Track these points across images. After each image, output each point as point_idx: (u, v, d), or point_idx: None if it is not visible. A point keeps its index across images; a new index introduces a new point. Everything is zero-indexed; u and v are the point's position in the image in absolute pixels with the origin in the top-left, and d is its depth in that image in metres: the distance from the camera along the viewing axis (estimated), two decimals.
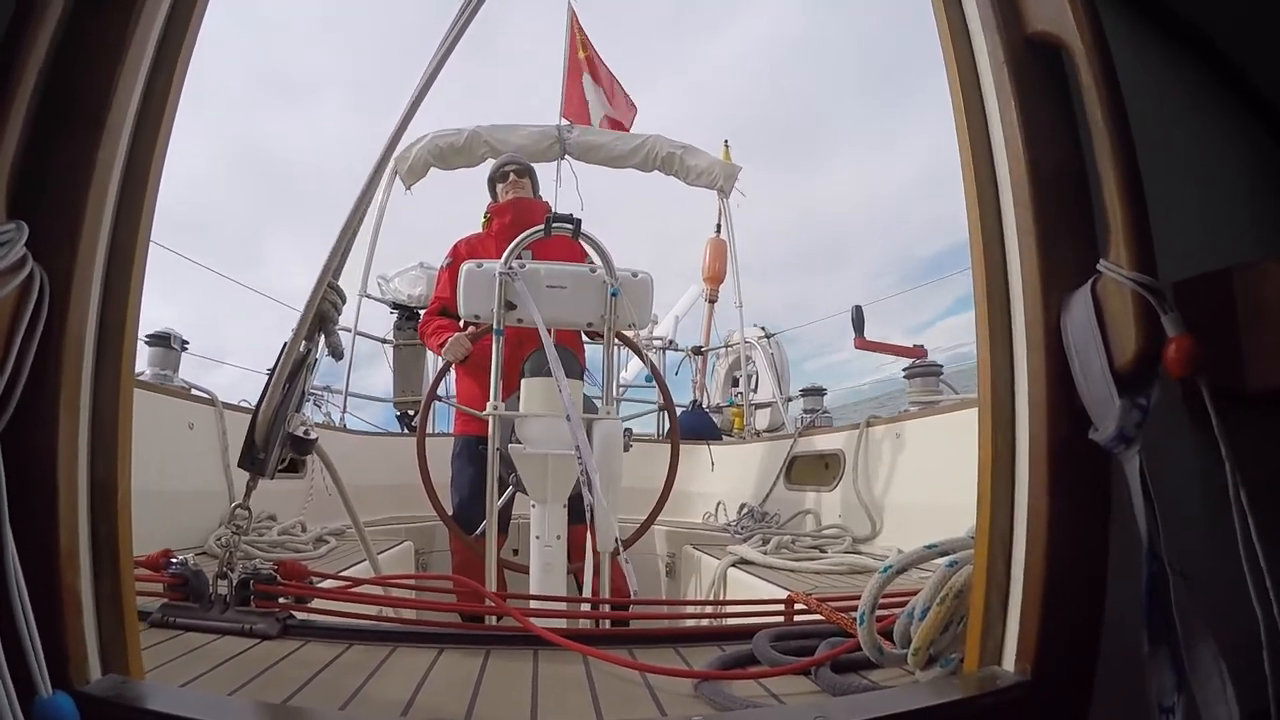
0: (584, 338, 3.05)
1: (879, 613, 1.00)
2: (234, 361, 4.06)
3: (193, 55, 0.99)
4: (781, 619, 1.37)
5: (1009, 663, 0.82)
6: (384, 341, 5.04)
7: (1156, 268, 0.76)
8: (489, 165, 3.78)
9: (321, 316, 1.42)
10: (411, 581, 2.05)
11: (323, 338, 1.46)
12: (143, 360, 2.75)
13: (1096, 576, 0.80)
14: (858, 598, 1.33)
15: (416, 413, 4.71)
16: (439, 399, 2.93)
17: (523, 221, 2.93)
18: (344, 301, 1.49)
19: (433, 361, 4.90)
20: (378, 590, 1.46)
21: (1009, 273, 0.88)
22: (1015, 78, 0.87)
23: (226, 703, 0.83)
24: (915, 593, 1.13)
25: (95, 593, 0.77)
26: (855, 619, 1.13)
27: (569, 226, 2.37)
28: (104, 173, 0.85)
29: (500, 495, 2.42)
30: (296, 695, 0.89)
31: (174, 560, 1.25)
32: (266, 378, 1.37)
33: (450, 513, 2.88)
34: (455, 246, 3.13)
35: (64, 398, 0.77)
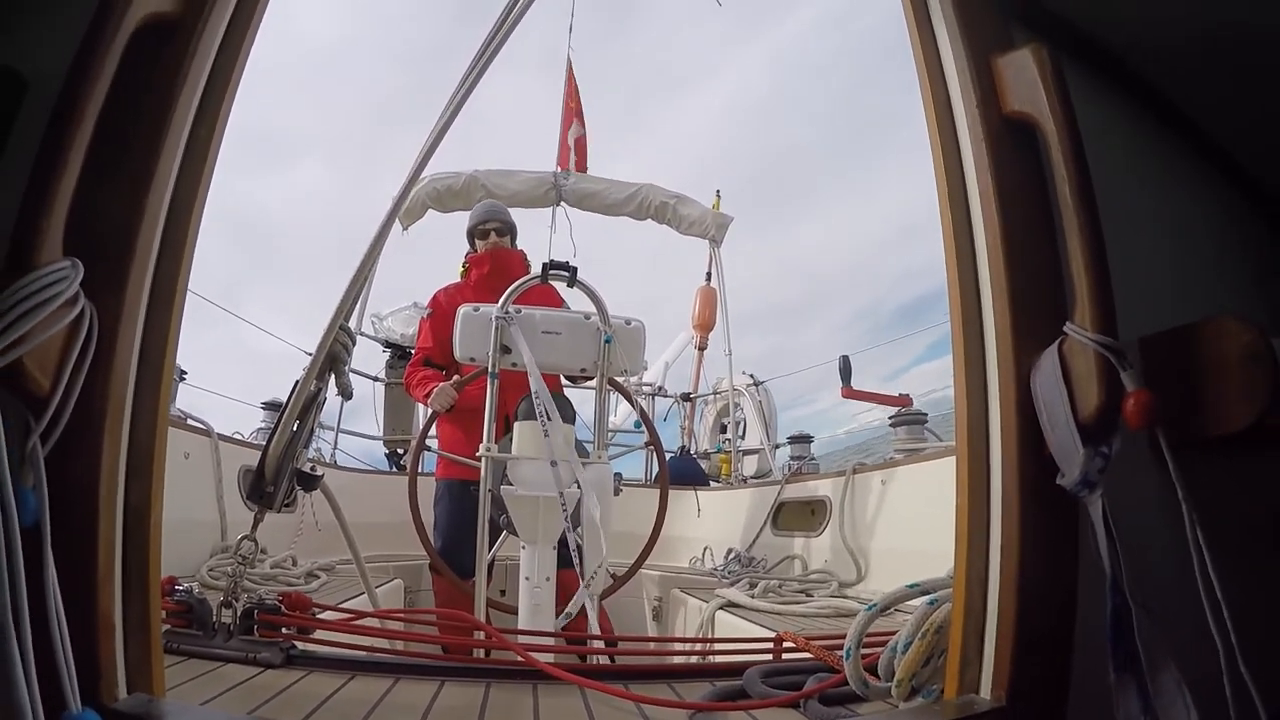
0: (564, 381, 3.08)
1: (864, 650, 1.05)
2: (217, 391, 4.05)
3: (233, 110, 1.07)
4: (770, 656, 1.41)
5: (986, 691, 0.87)
6: (375, 380, 5.07)
7: (1117, 328, 0.85)
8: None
9: (333, 357, 1.48)
10: (414, 616, 2.06)
11: (333, 378, 1.52)
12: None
13: (1066, 610, 0.86)
14: (844, 637, 1.39)
15: (405, 451, 4.72)
16: (428, 449, 2.98)
17: (501, 271, 3.00)
18: (354, 343, 1.55)
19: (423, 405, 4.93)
20: (378, 624, 1.49)
21: (984, 332, 0.96)
22: (993, 152, 0.96)
23: None
24: (898, 631, 1.18)
25: (124, 614, 0.81)
26: (841, 655, 1.18)
27: (565, 274, 2.45)
28: (152, 218, 0.92)
29: (490, 538, 2.44)
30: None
31: (179, 587, 1.28)
32: (278, 415, 1.42)
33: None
34: (435, 297, 3.15)
35: (108, 427, 0.82)
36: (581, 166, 5.59)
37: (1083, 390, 0.84)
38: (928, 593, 1.05)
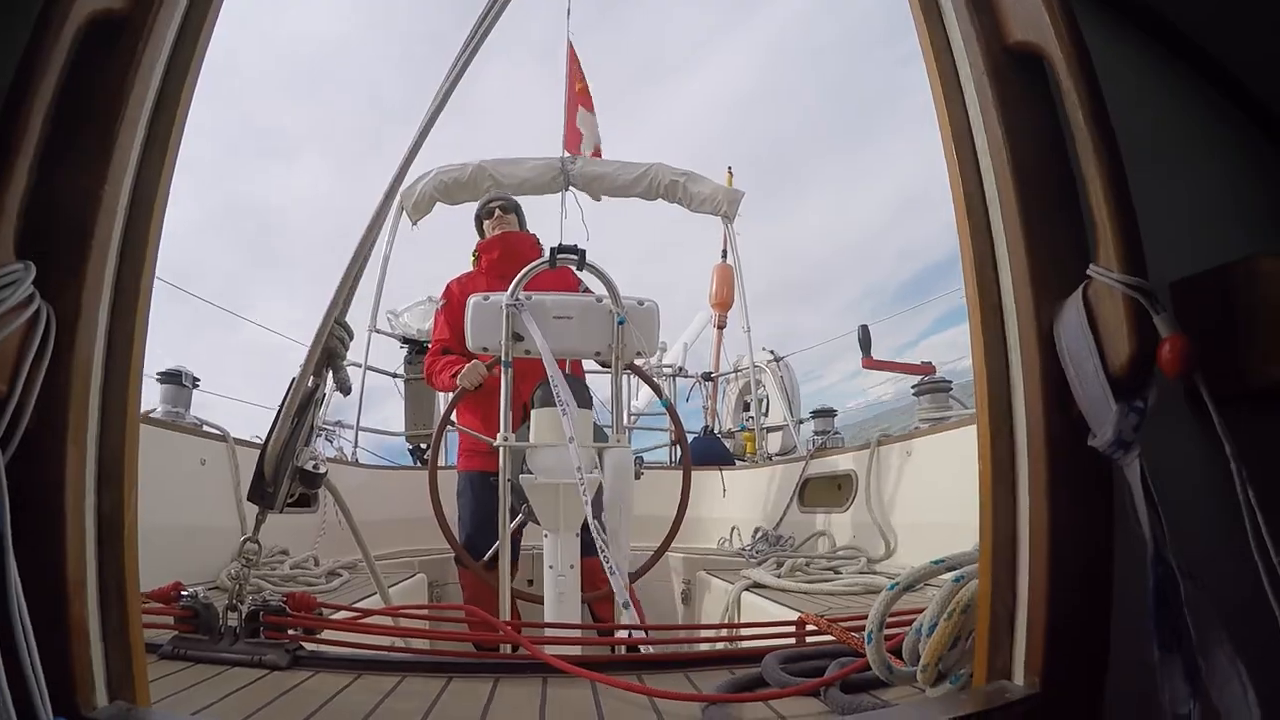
0: (586, 366, 3.05)
1: (888, 631, 0.99)
2: (234, 397, 4.08)
3: (193, 101, 1.03)
4: (793, 640, 1.35)
5: (1018, 676, 0.80)
6: (394, 376, 5.07)
7: (1147, 269, 0.77)
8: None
9: (329, 353, 1.45)
10: (422, 612, 2.04)
11: (330, 373, 1.48)
12: (154, 397, 2.79)
13: (1102, 584, 0.79)
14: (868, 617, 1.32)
15: (428, 446, 4.73)
16: (452, 425, 2.94)
17: (511, 255, 2.96)
18: (351, 338, 1.51)
19: (444, 396, 4.93)
20: (387, 621, 1.46)
21: (1000, 282, 0.88)
22: (997, 87, 0.88)
23: None
24: (921, 609, 1.12)
25: (102, 622, 0.78)
26: (863, 638, 1.12)
27: (574, 258, 2.40)
28: (109, 213, 0.88)
29: (511, 524, 2.42)
30: None
31: (184, 593, 1.26)
32: (275, 413, 1.39)
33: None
34: (448, 288, 3.13)
35: (71, 431, 0.79)
36: (597, 151, 5.52)
37: (1112, 339, 0.76)
38: (953, 568, 0.98)
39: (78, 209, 0.84)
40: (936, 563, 1.01)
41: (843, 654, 1.14)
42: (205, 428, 2.65)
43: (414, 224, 4.84)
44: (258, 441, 2.94)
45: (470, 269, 3.18)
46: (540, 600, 2.28)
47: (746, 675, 1.10)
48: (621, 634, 2.02)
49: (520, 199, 3.53)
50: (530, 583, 3.21)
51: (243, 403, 3.83)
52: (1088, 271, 0.79)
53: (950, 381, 3.10)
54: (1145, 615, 0.75)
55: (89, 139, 0.87)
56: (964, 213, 0.90)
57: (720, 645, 2.11)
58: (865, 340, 3.50)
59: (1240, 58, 0.99)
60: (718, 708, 0.94)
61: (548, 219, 4.94)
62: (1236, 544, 0.75)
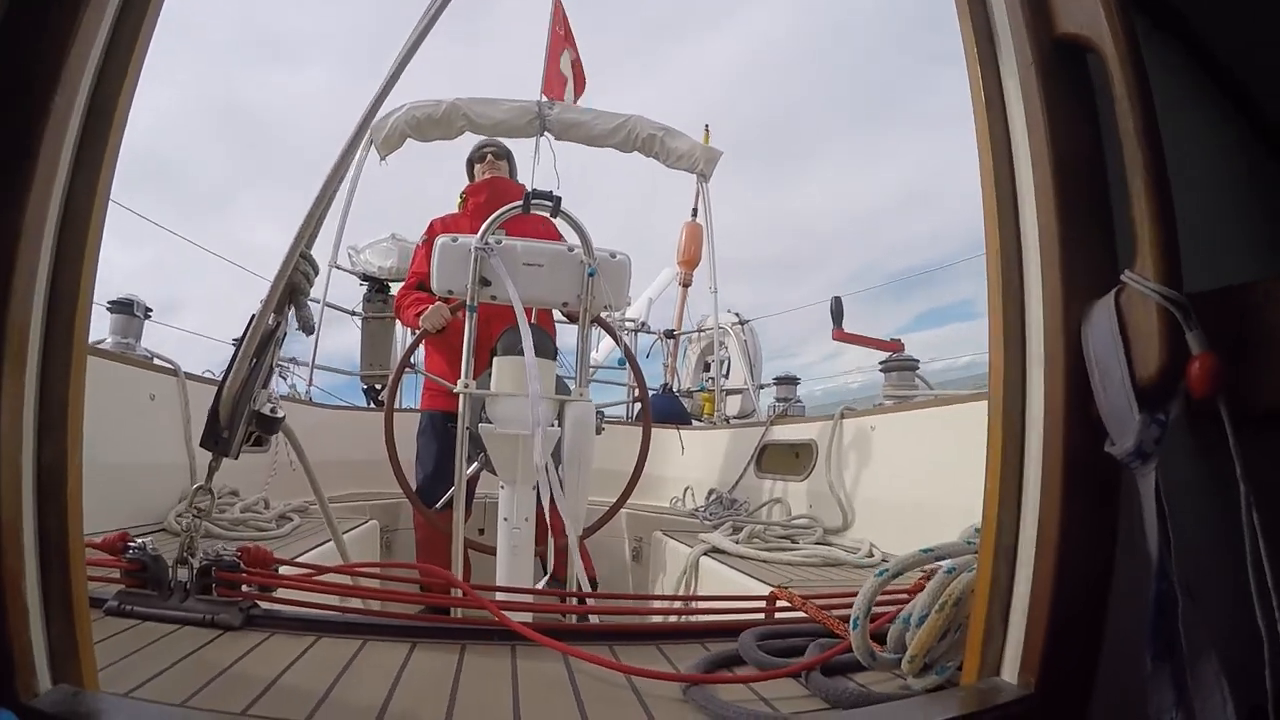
0: (557, 316, 3.01)
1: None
2: (188, 325, 3.87)
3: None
4: (763, 616, 1.35)
5: (1010, 674, 0.80)
6: (353, 314, 4.90)
7: (1182, 281, 0.74)
8: (466, 141, 3.68)
9: (292, 288, 1.34)
10: (383, 571, 1.98)
11: (293, 310, 1.38)
12: (104, 328, 2.62)
13: (1102, 589, 0.79)
14: (839, 594, 1.33)
15: (383, 387, 4.60)
16: (411, 368, 2.84)
17: (499, 201, 2.86)
18: (316, 273, 1.41)
19: (402, 337, 4.78)
20: (346, 580, 1.40)
21: (1025, 278, 0.85)
22: (1042, 79, 0.83)
23: (189, 716, 0.76)
24: (900, 592, 1.12)
25: (43, 593, 0.70)
26: (842, 619, 1.12)
27: (548, 204, 2.30)
28: (59, 121, 0.76)
29: (468, 471, 2.37)
30: (262, 698, 0.83)
31: (131, 544, 1.17)
32: (232, 352, 1.29)
33: (414, 489, 2.83)
34: (431, 225, 3.08)
35: (7, 371, 0.69)
36: (580, 90, 5.32)
37: (1142, 348, 0.74)
38: (943, 559, 0.97)
39: (23, 114, 0.73)
40: (926, 551, 1.00)
41: (818, 634, 1.14)
42: (156, 360, 2.50)
43: (382, 159, 4.61)
44: (210, 376, 2.80)
45: (454, 210, 3.13)
46: (492, 551, 2.25)
47: (722, 652, 1.08)
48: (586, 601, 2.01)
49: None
50: (481, 531, 3.18)
51: (200, 336, 3.63)
52: (1122, 277, 0.76)
53: (917, 360, 3.14)
54: (1140, 623, 0.75)
55: (47, 36, 0.75)
56: (994, 204, 0.86)
57: (681, 614, 2.13)
58: (837, 312, 3.50)
59: (1259, 71, 0.96)
60: (699, 689, 0.92)
61: (521, 162, 4.76)
62: (1233, 562, 0.75)
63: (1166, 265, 0.74)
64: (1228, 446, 0.74)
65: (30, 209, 0.73)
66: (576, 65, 5.37)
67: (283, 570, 1.31)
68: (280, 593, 1.23)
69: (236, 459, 1.27)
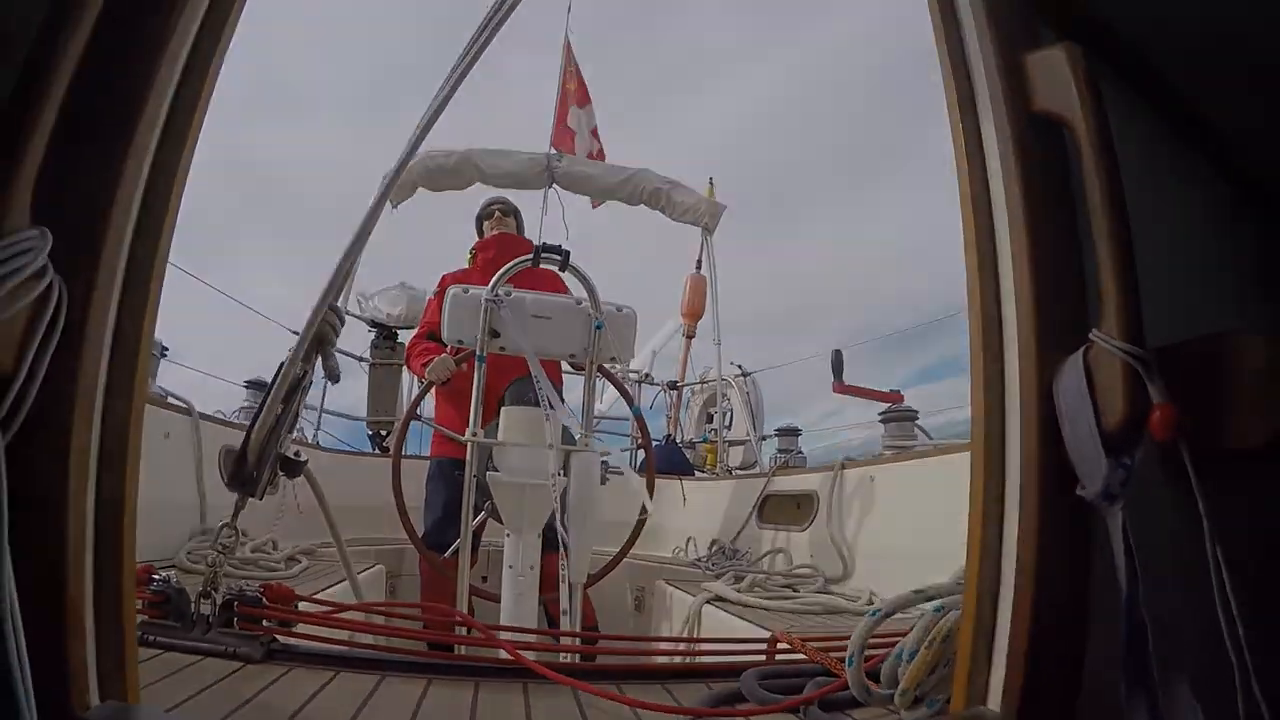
0: (565, 368, 3.10)
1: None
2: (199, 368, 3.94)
3: (221, 70, 1.00)
4: (764, 658, 1.38)
5: (995, 703, 0.85)
6: (360, 360, 4.98)
7: (1145, 338, 0.82)
8: (476, 191, 3.82)
9: (320, 338, 1.42)
10: (398, 610, 2.02)
11: (319, 360, 1.46)
12: None
13: (1079, 623, 0.84)
14: (838, 638, 1.37)
15: (389, 433, 4.66)
16: (418, 418, 2.91)
17: (507, 256, 2.98)
18: (343, 324, 1.49)
19: (409, 384, 4.86)
20: (363, 617, 1.44)
21: (1004, 333, 0.93)
22: (1019, 150, 0.93)
23: None
24: (896, 635, 1.16)
25: (96, 616, 0.76)
26: (840, 659, 1.16)
27: (557, 258, 2.40)
28: (129, 185, 0.85)
29: (474, 520, 2.41)
30: None
31: (156, 577, 1.23)
32: (261, 398, 1.36)
33: (421, 534, 2.86)
34: (442, 279, 3.19)
35: (78, 413, 0.76)
36: (601, 158, 5.53)
37: (1107, 400, 0.81)
38: (933, 599, 1.02)
39: (99, 179, 0.82)
40: (916, 592, 1.05)
41: (817, 673, 1.18)
42: (170, 399, 2.57)
43: (394, 206, 4.76)
44: (221, 417, 2.87)
45: (464, 265, 3.26)
46: (496, 598, 2.28)
47: (725, 690, 1.12)
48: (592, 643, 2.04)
49: (504, 192, 3.57)
50: (485, 579, 3.19)
51: (213, 377, 3.71)
52: (1090, 335, 0.83)
53: (915, 411, 3.20)
54: (1116, 652, 0.80)
55: (117, 104, 0.84)
56: (975, 267, 0.95)
57: (684, 658, 2.14)
58: (838, 365, 3.58)
59: (1252, 142, 1.05)
60: None
61: (529, 215, 4.91)
62: (1201, 595, 0.80)
63: (1129, 324, 0.82)
64: (1192, 486, 0.81)
65: (102, 268, 0.81)
66: (594, 132, 5.58)
67: (302, 607, 1.36)
68: (300, 629, 1.27)
69: (261, 499, 1.34)
